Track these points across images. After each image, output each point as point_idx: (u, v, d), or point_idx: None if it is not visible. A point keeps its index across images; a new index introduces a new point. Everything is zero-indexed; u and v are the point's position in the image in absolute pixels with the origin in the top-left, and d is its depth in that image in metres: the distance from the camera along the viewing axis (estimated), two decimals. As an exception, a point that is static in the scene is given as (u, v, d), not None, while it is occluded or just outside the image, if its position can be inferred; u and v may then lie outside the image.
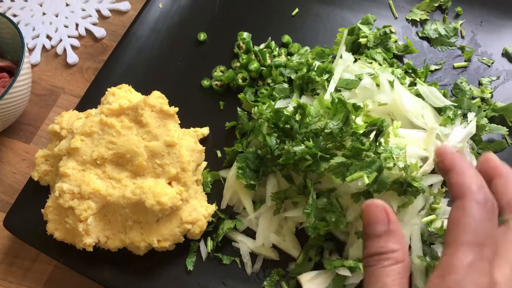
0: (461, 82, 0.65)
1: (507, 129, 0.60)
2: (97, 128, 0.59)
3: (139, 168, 0.58)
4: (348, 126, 0.53)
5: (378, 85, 0.60)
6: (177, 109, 0.61)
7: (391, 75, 0.61)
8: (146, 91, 0.65)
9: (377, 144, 0.52)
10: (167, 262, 0.60)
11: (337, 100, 0.54)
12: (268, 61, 0.69)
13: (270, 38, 0.71)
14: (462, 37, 0.69)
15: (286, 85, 0.66)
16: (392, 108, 0.59)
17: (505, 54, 0.67)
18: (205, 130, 0.66)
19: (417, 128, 0.59)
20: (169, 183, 0.58)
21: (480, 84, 0.65)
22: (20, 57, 0.67)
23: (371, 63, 0.64)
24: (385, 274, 0.35)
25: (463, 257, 0.33)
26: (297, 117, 0.56)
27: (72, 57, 0.79)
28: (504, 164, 0.39)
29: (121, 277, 0.59)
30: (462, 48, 0.67)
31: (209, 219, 0.59)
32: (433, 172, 0.58)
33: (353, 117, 0.53)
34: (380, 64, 0.64)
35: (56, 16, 0.84)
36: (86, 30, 0.82)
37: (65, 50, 0.80)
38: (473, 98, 0.63)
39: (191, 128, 0.65)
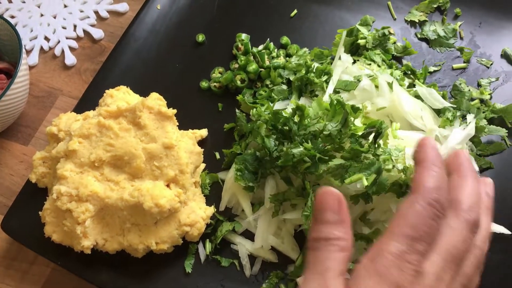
0: (460, 84, 0.64)
1: (506, 131, 0.60)
2: (95, 130, 0.59)
3: (137, 170, 0.57)
4: (347, 128, 0.52)
5: (377, 86, 0.60)
6: (175, 111, 0.60)
7: (390, 76, 0.61)
8: (144, 93, 0.65)
9: (376, 146, 0.52)
10: (165, 265, 0.60)
11: (335, 101, 0.54)
12: (267, 63, 0.68)
13: (268, 39, 0.71)
14: (461, 38, 0.69)
15: (284, 87, 0.66)
16: (391, 109, 0.59)
17: (504, 55, 0.67)
18: (204, 132, 0.65)
19: (416, 130, 0.59)
20: (167, 185, 0.57)
21: (479, 85, 0.65)
22: (18, 58, 0.67)
23: (370, 64, 0.64)
24: (329, 258, 0.36)
25: (395, 245, 0.35)
26: (296, 118, 0.55)
27: (70, 59, 0.79)
28: (470, 165, 0.41)
29: (119, 279, 0.59)
30: (461, 49, 0.67)
31: (208, 221, 0.59)
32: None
33: (352, 118, 0.53)
34: (379, 66, 0.64)
35: (54, 17, 0.83)
36: (84, 31, 0.82)
37: (63, 51, 0.80)
38: (472, 99, 0.63)
39: (190, 130, 0.65)
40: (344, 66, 0.63)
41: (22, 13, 0.84)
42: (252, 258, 0.59)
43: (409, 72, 0.65)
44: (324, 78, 0.63)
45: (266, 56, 0.69)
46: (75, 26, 0.82)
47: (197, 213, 0.58)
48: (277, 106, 0.63)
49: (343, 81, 0.62)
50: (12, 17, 0.84)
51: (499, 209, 0.57)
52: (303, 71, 0.64)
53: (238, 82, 0.68)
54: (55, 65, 0.80)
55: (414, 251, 0.35)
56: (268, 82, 0.67)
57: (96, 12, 0.83)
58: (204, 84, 0.70)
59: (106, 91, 0.64)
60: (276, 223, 0.59)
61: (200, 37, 0.73)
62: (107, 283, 0.59)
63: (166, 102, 0.62)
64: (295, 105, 0.55)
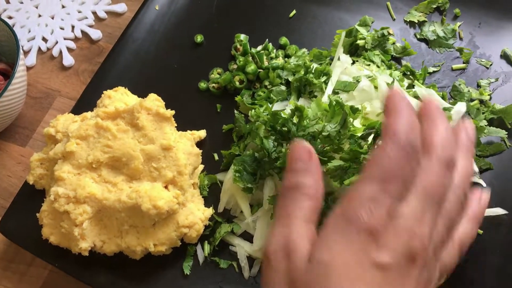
0: (460, 84, 0.64)
1: (506, 132, 0.60)
2: (92, 131, 0.59)
3: (135, 172, 0.57)
4: (346, 129, 0.52)
5: (376, 87, 0.60)
6: (173, 112, 0.60)
7: (389, 77, 0.61)
8: (142, 94, 0.65)
9: (375, 147, 0.52)
10: (163, 267, 0.59)
11: (334, 102, 0.53)
12: (266, 63, 0.68)
13: (267, 40, 0.71)
14: (461, 38, 0.68)
15: (283, 88, 0.65)
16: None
17: (504, 55, 0.66)
18: (202, 133, 0.65)
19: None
20: (166, 187, 0.57)
21: (478, 86, 0.65)
22: (16, 59, 0.67)
23: (369, 65, 0.64)
24: (296, 205, 0.36)
25: (366, 189, 0.33)
26: (295, 119, 0.55)
27: (68, 60, 0.78)
28: (441, 111, 0.39)
29: (117, 281, 0.59)
30: (460, 50, 0.67)
31: (206, 223, 0.59)
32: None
33: (351, 119, 0.53)
34: (378, 66, 0.64)
35: (52, 18, 0.83)
36: (82, 32, 0.81)
37: (61, 52, 0.80)
38: (472, 100, 0.63)
39: (188, 131, 0.64)
40: (343, 67, 0.63)
41: (20, 13, 0.84)
42: (250, 259, 0.59)
43: (409, 73, 0.65)
44: (323, 79, 0.62)
45: (264, 57, 0.68)
46: (73, 27, 0.82)
47: (195, 214, 0.58)
48: (276, 107, 0.63)
49: (342, 82, 0.62)
50: (10, 17, 0.83)
51: (499, 210, 0.57)
52: (302, 72, 0.64)
53: (237, 83, 0.68)
54: (53, 66, 0.79)
55: (386, 194, 0.33)
56: (267, 83, 0.67)
57: (94, 13, 0.83)
58: (202, 85, 0.69)
59: (104, 92, 0.64)
60: (275, 224, 0.58)
61: (199, 38, 0.73)
62: (105, 285, 0.59)
63: (164, 103, 0.62)
64: (294, 106, 0.55)
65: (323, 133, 0.52)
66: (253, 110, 0.61)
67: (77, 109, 0.68)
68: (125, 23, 0.78)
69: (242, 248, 0.59)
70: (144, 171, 0.58)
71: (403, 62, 0.67)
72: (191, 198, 0.60)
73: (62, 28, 0.82)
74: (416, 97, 0.60)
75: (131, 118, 0.59)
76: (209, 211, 0.60)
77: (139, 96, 0.67)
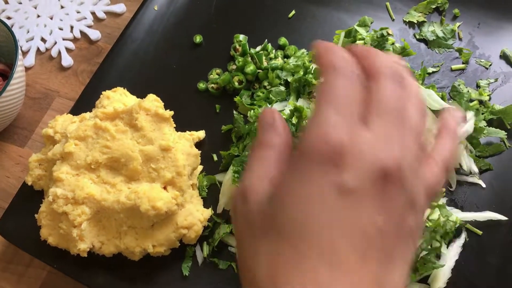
0: (459, 85, 0.64)
1: (506, 133, 0.60)
2: (91, 132, 0.58)
3: (133, 173, 0.57)
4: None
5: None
6: (172, 112, 0.60)
7: (389, 77, 0.61)
8: (141, 94, 0.65)
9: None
10: (162, 268, 0.59)
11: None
12: (265, 64, 0.68)
13: (266, 40, 0.71)
14: (460, 39, 0.68)
15: (282, 88, 0.65)
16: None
17: (503, 56, 0.66)
18: (201, 134, 0.65)
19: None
20: (164, 188, 0.57)
21: (478, 86, 0.65)
22: (14, 60, 0.66)
23: (368, 65, 0.64)
24: (260, 156, 0.34)
25: (321, 120, 0.31)
26: (294, 120, 0.55)
27: (67, 60, 0.78)
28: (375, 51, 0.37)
29: (116, 282, 0.59)
30: (459, 50, 0.67)
31: (205, 224, 0.59)
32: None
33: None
34: (377, 67, 0.64)
35: (51, 18, 0.83)
36: (81, 32, 0.81)
37: (59, 52, 0.80)
38: (471, 100, 0.63)
39: (187, 131, 0.64)
40: (342, 67, 0.63)
41: (19, 14, 0.83)
42: (250, 260, 0.59)
43: (408, 73, 0.65)
44: (322, 79, 0.62)
45: (264, 57, 0.68)
46: (71, 27, 0.82)
47: (194, 215, 0.58)
48: (275, 107, 0.63)
49: (341, 82, 0.61)
50: (9, 18, 0.83)
51: (498, 210, 0.57)
52: (301, 72, 0.64)
53: (236, 84, 0.67)
54: (52, 66, 0.79)
55: (344, 118, 0.30)
56: (266, 84, 0.67)
57: (93, 13, 0.83)
58: (201, 85, 0.69)
59: (103, 92, 0.64)
60: (274, 225, 0.58)
61: (198, 38, 0.73)
62: (104, 286, 0.58)
63: (163, 103, 0.61)
64: (293, 106, 0.55)
65: (322, 134, 0.52)
66: (252, 111, 0.61)
67: (76, 110, 0.68)
68: (124, 24, 0.78)
69: (241, 249, 0.59)
70: (142, 172, 0.57)
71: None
72: (190, 199, 0.60)
73: (61, 29, 0.82)
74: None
75: (129, 118, 0.59)
76: (208, 212, 0.59)
77: (138, 97, 0.67)
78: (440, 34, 0.68)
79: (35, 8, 0.84)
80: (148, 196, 0.54)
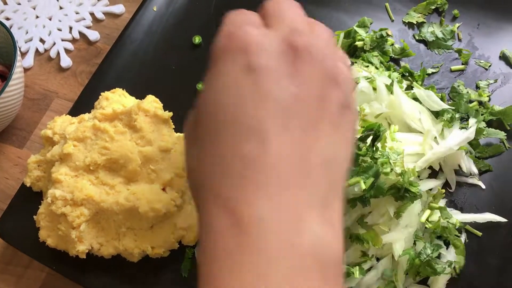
0: (459, 86, 0.64)
1: (505, 134, 0.60)
2: (90, 133, 0.58)
3: (132, 174, 0.57)
4: (345, 131, 0.52)
5: (374, 88, 0.60)
6: (171, 113, 0.60)
7: (388, 78, 0.60)
8: (140, 95, 0.64)
9: (374, 149, 0.52)
10: (161, 269, 0.59)
11: (333, 104, 0.53)
12: (264, 65, 0.68)
13: (265, 41, 0.71)
14: (459, 40, 0.68)
15: (282, 89, 0.65)
16: (389, 112, 0.58)
17: (503, 57, 0.66)
18: (200, 135, 0.65)
19: (415, 132, 0.58)
20: (163, 189, 0.57)
21: (477, 87, 0.64)
22: (13, 61, 0.66)
23: (368, 66, 0.64)
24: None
25: (231, 19, 0.36)
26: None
27: (66, 61, 0.78)
28: None
29: (114, 284, 0.59)
30: (459, 51, 0.67)
31: (204, 225, 0.59)
32: (431, 176, 0.58)
33: (350, 121, 0.52)
34: (376, 68, 0.64)
35: (50, 19, 0.83)
36: (80, 33, 0.81)
37: (58, 53, 0.79)
38: (471, 101, 0.63)
39: (186, 132, 0.64)
40: (341, 68, 0.63)
41: (17, 15, 0.83)
42: (249, 262, 0.59)
43: (407, 74, 0.64)
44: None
45: (263, 58, 0.68)
46: (70, 28, 0.82)
47: (193, 216, 0.58)
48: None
49: (340, 83, 0.61)
50: (7, 19, 0.83)
51: (498, 211, 0.57)
52: (301, 73, 0.63)
53: (235, 84, 0.67)
54: (51, 67, 0.79)
55: (244, 19, 0.35)
56: (265, 84, 0.67)
57: (92, 14, 0.83)
58: (200, 86, 0.69)
59: (102, 93, 0.64)
60: (273, 226, 0.58)
61: (197, 39, 0.73)
62: (103, 287, 0.58)
63: (162, 104, 0.61)
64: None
65: (322, 135, 0.52)
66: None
67: (75, 111, 0.68)
68: (123, 24, 0.77)
69: (240, 250, 0.59)
70: (141, 173, 0.57)
71: (402, 63, 0.67)
72: (189, 200, 0.60)
73: (59, 29, 0.82)
74: (415, 98, 0.60)
75: (128, 119, 0.59)
76: (207, 213, 0.59)
77: (137, 98, 0.66)
78: (440, 35, 0.68)
79: (34, 9, 0.84)
80: (147, 197, 0.54)
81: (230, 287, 0.30)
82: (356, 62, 0.65)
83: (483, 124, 0.60)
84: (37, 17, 0.83)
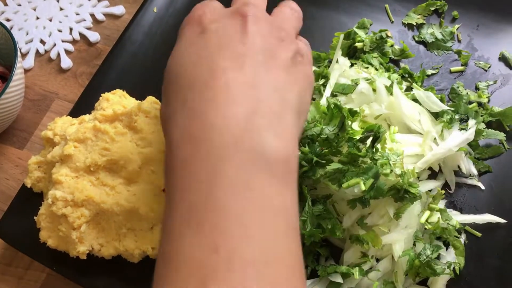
0: (458, 87, 0.64)
1: (505, 135, 0.60)
2: (90, 134, 0.58)
3: (133, 175, 0.57)
4: (344, 132, 0.52)
5: (374, 90, 0.60)
6: (171, 114, 0.60)
7: (388, 79, 0.61)
8: (140, 97, 0.64)
9: (374, 150, 0.52)
10: (162, 270, 0.59)
11: (333, 105, 0.53)
12: (264, 66, 0.68)
13: (265, 42, 0.71)
14: (459, 41, 0.68)
15: (281, 90, 0.65)
16: (389, 113, 0.58)
17: (502, 58, 0.66)
18: (200, 136, 0.65)
19: (414, 133, 0.58)
20: (164, 190, 0.57)
21: (477, 88, 0.65)
22: (13, 62, 0.66)
23: (367, 67, 0.64)
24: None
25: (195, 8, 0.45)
26: (293, 122, 0.55)
27: (66, 62, 0.78)
28: None
29: (115, 284, 0.59)
30: (458, 52, 0.67)
31: (204, 226, 0.59)
32: (430, 177, 0.58)
33: (350, 122, 0.53)
34: (376, 69, 0.64)
35: (50, 20, 0.83)
36: (80, 34, 0.81)
37: (59, 54, 0.80)
38: (470, 102, 0.63)
39: (186, 133, 0.64)
40: (341, 70, 0.63)
41: (18, 16, 0.83)
42: (249, 263, 0.59)
43: (407, 75, 0.65)
44: (322, 81, 0.62)
45: (263, 59, 0.68)
46: (71, 29, 0.82)
47: (193, 217, 0.58)
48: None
49: (340, 84, 0.61)
50: (8, 20, 0.83)
51: (498, 212, 0.57)
52: (300, 75, 0.63)
53: (235, 86, 0.67)
54: (51, 68, 0.79)
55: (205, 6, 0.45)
56: (265, 86, 0.67)
57: (92, 15, 0.83)
58: (200, 87, 0.69)
59: (102, 94, 0.64)
60: (273, 227, 0.58)
61: (197, 40, 0.73)
62: (103, 288, 0.59)
63: (162, 105, 0.61)
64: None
65: (322, 136, 0.52)
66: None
67: (75, 112, 0.68)
68: (123, 26, 0.78)
69: (240, 251, 0.59)
70: (142, 174, 0.57)
71: (402, 65, 0.67)
72: (189, 201, 0.60)
73: (60, 31, 0.82)
74: (415, 99, 0.60)
75: (129, 121, 0.59)
76: (208, 214, 0.59)
77: (137, 99, 0.66)
78: (439, 36, 0.68)
79: (34, 10, 0.84)
80: (147, 198, 0.54)
81: (186, 183, 0.36)
82: (356, 63, 0.65)
83: (482, 125, 0.60)
84: (38, 18, 0.83)
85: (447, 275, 0.53)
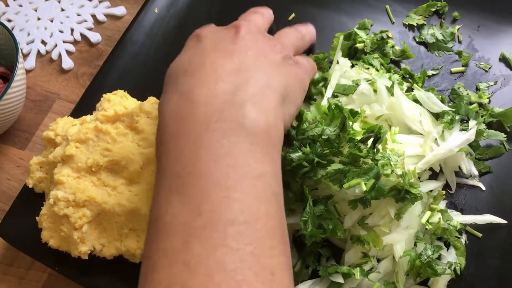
0: (459, 88, 0.64)
1: (505, 135, 0.60)
2: (92, 135, 0.59)
3: (134, 175, 0.57)
4: (345, 132, 0.52)
5: (375, 90, 0.60)
6: (173, 115, 0.60)
7: (389, 80, 0.61)
8: (141, 97, 0.65)
9: (375, 150, 0.52)
10: (163, 270, 0.59)
11: (334, 106, 0.53)
12: (265, 66, 0.68)
13: (266, 43, 0.71)
14: (460, 42, 0.68)
15: (282, 91, 0.65)
16: (389, 114, 0.59)
17: (503, 59, 0.66)
18: (202, 136, 0.65)
19: (415, 134, 0.59)
20: (165, 190, 0.57)
21: (477, 89, 0.65)
22: (15, 62, 0.67)
23: (368, 68, 0.64)
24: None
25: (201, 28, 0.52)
26: (294, 123, 0.55)
27: (67, 63, 0.78)
28: None
29: (117, 285, 0.59)
30: (459, 53, 0.67)
31: (206, 226, 0.59)
32: (431, 178, 0.58)
33: (350, 123, 0.53)
34: (377, 70, 0.64)
35: (51, 21, 0.83)
36: (82, 35, 0.81)
37: (60, 55, 0.80)
38: (471, 103, 0.63)
39: (187, 134, 0.64)
40: (342, 70, 0.63)
41: (19, 16, 0.83)
42: (250, 263, 0.59)
43: (408, 76, 0.65)
44: (322, 82, 0.62)
45: (264, 60, 0.68)
46: (72, 30, 0.82)
47: (195, 218, 0.58)
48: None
49: (341, 85, 0.62)
50: (9, 20, 0.83)
51: (498, 212, 0.57)
52: (301, 75, 0.64)
53: (236, 86, 0.67)
54: (52, 69, 0.79)
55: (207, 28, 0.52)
56: (266, 86, 0.67)
57: (94, 16, 0.83)
58: (202, 88, 0.69)
59: (103, 95, 0.64)
60: (274, 228, 0.58)
61: (198, 41, 0.73)
62: (105, 288, 0.59)
63: (163, 106, 0.62)
64: (293, 109, 0.55)
65: (323, 137, 0.52)
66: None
67: (77, 112, 0.68)
68: (124, 26, 0.78)
69: (241, 251, 0.59)
70: (143, 175, 0.57)
71: (402, 65, 0.67)
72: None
73: (61, 31, 0.82)
74: (416, 100, 0.60)
75: (130, 121, 0.59)
76: (209, 215, 0.59)
77: (138, 100, 0.67)
78: (440, 37, 0.68)
79: (36, 10, 0.84)
80: (148, 198, 0.54)
81: (173, 154, 0.40)
82: (356, 64, 0.65)
83: (483, 126, 0.60)
84: (39, 19, 0.83)
85: (448, 276, 0.53)
